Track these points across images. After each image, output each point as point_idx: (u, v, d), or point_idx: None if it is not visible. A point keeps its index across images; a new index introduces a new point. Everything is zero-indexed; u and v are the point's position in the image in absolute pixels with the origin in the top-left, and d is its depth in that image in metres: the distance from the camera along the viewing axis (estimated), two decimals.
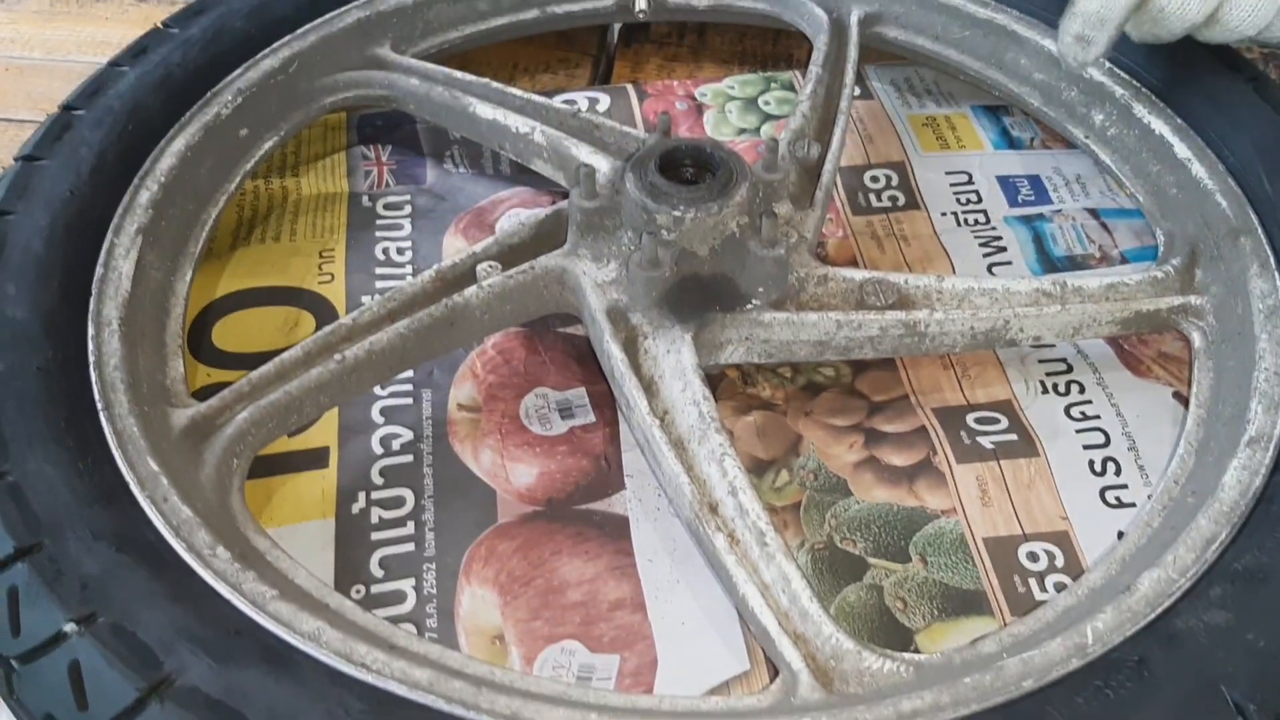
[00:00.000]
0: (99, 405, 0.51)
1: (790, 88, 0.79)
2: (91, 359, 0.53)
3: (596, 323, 0.57)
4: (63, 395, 0.51)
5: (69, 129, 0.63)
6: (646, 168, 0.59)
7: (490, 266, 0.59)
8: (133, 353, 0.55)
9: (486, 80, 0.70)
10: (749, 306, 0.58)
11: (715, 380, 0.62)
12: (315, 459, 0.58)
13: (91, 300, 0.56)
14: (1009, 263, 0.68)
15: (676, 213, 0.57)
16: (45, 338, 0.53)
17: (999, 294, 0.59)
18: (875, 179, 0.73)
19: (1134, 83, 0.68)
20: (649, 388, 0.55)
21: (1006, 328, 0.58)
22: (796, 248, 0.60)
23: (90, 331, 0.54)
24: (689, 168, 0.60)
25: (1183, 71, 0.67)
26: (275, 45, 0.70)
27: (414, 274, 0.68)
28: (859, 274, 0.59)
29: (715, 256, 0.58)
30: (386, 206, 0.72)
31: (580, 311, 0.60)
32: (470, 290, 0.58)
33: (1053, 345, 0.62)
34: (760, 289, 0.58)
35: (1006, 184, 0.73)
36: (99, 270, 0.57)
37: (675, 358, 0.56)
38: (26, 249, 0.56)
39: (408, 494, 0.57)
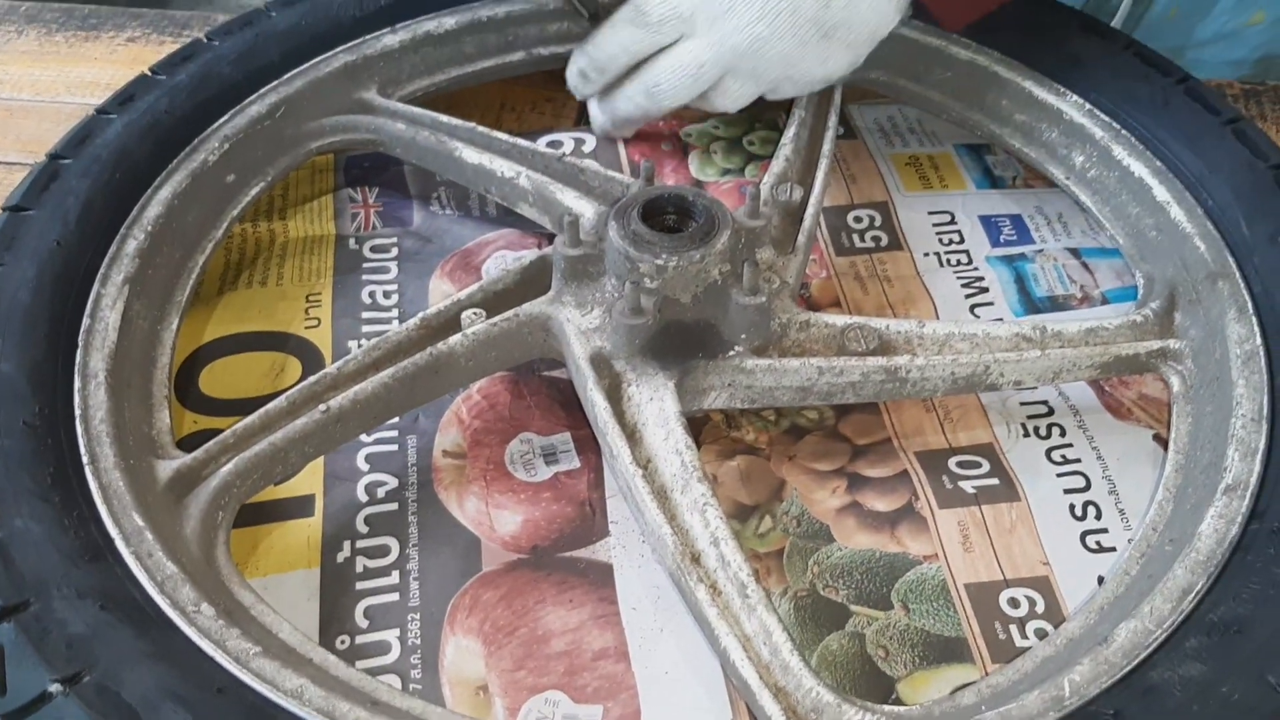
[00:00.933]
0: (85, 460, 0.51)
1: (774, 127, 0.80)
2: (78, 412, 0.53)
3: (580, 370, 0.58)
4: (49, 450, 0.51)
5: (56, 178, 0.63)
6: (629, 216, 0.59)
7: (475, 314, 0.60)
8: (119, 405, 0.55)
9: (472, 125, 0.71)
10: (731, 353, 0.58)
11: (699, 423, 0.63)
12: (300, 507, 0.59)
13: (78, 352, 0.56)
14: (991, 303, 0.69)
15: (659, 261, 0.57)
16: (32, 392, 0.53)
17: (979, 339, 0.59)
18: (859, 219, 0.74)
19: (1114, 125, 0.69)
20: (632, 435, 0.56)
21: (987, 373, 0.59)
22: (778, 293, 0.61)
23: (77, 384, 0.54)
24: (671, 215, 0.61)
25: (1162, 113, 0.68)
26: (262, 91, 0.70)
27: (400, 318, 0.68)
28: (841, 319, 0.60)
29: (698, 303, 0.59)
30: (373, 249, 0.72)
31: (565, 358, 0.60)
32: (455, 338, 0.58)
33: (1034, 388, 0.62)
34: (743, 335, 0.58)
35: (989, 223, 0.74)
36: (85, 321, 0.57)
37: (658, 405, 0.56)
38: (14, 301, 0.57)
39: (393, 542, 0.57)
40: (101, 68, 0.87)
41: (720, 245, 0.58)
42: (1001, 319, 0.68)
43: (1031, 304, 0.69)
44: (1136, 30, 0.88)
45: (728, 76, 0.68)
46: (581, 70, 0.71)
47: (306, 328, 0.67)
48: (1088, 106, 0.70)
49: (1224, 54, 0.75)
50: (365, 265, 0.71)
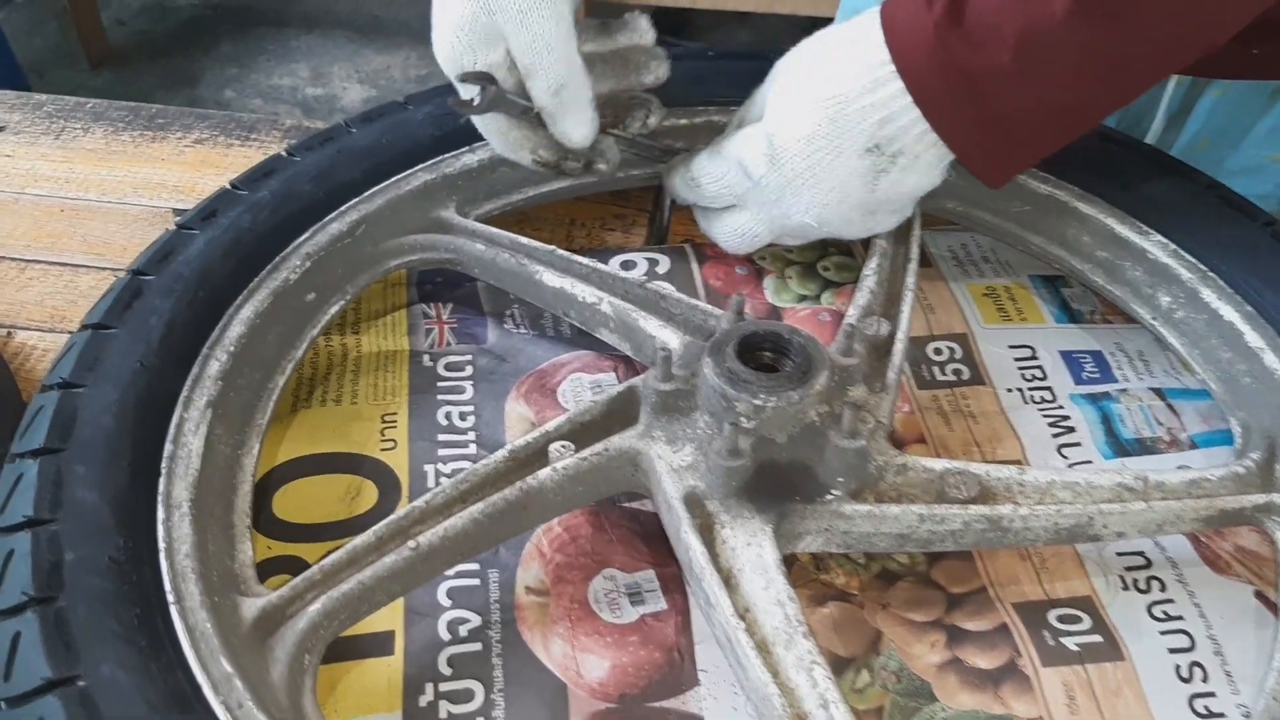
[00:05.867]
0: (170, 599, 0.50)
1: (848, 252, 0.79)
2: (162, 546, 0.52)
3: (673, 509, 0.56)
4: (134, 589, 0.50)
5: (139, 296, 0.62)
6: (725, 353, 0.58)
7: (563, 446, 0.59)
8: (202, 537, 0.53)
9: (552, 248, 0.70)
10: (829, 497, 0.57)
11: (786, 564, 0.61)
12: (380, 644, 0.57)
13: (161, 480, 0.54)
14: (1078, 444, 0.68)
15: (756, 401, 0.56)
16: (116, 524, 0.52)
17: (1081, 488, 0.58)
18: (939, 351, 0.73)
19: (1200, 266, 0.68)
20: (728, 581, 0.54)
21: (1090, 524, 0.57)
22: (874, 434, 0.59)
23: (160, 515, 0.53)
24: (767, 352, 0.60)
25: (1250, 258, 0.68)
26: (343, 208, 0.70)
27: (477, 441, 0.67)
28: (939, 464, 0.58)
29: (793, 444, 0.57)
30: (448, 367, 0.71)
31: (653, 495, 0.59)
32: (544, 472, 0.57)
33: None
34: (840, 478, 0.57)
35: (1070, 360, 0.73)
36: (168, 447, 0.56)
37: (756, 551, 0.54)
38: (97, 425, 0.55)
39: (477, 687, 0.55)
40: (169, 169, 0.87)
41: (819, 386, 0.57)
42: (1090, 461, 0.66)
43: (1119, 446, 0.67)
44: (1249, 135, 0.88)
45: (780, 239, 0.71)
46: (669, 189, 0.74)
47: (382, 450, 0.66)
48: (1172, 247, 0.70)
49: (1251, 187, 0.75)
50: (440, 384, 0.70)
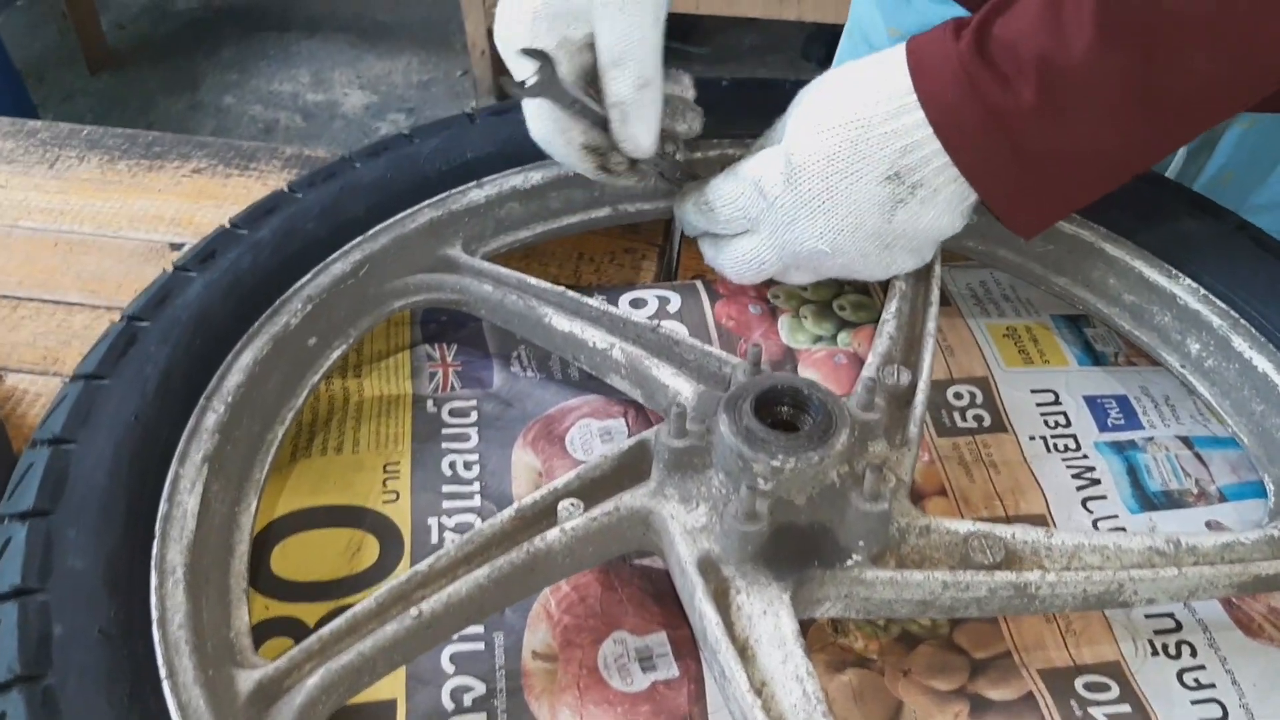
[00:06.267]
0: (163, 674, 0.48)
1: (864, 291, 0.77)
2: (155, 616, 0.50)
3: (686, 575, 0.54)
4: (125, 663, 0.47)
5: (134, 343, 0.60)
6: (741, 410, 0.56)
7: (572, 505, 0.56)
8: (197, 605, 0.51)
9: (561, 289, 0.68)
10: (849, 562, 0.54)
11: (803, 626, 0.59)
12: (382, 714, 0.54)
13: (155, 543, 0.52)
14: (1104, 496, 0.65)
15: (775, 462, 0.54)
16: (107, 592, 0.50)
17: (1110, 552, 0.56)
18: (959, 395, 0.71)
19: (1231, 313, 0.66)
20: (744, 652, 0.52)
21: (1120, 590, 0.55)
22: (896, 493, 0.57)
23: (154, 582, 0.51)
24: (786, 408, 0.58)
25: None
26: (346, 248, 0.68)
27: (482, 493, 0.65)
28: (963, 525, 0.56)
29: (812, 506, 0.55)
30: (452, 413, 0.69)
31: (666, 556, 0.57)
32: (552, 534, 0.55)
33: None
34: (860, 542, 0.55)
35: (1095, 405, 0.70)
36: (163, 506, 0.54)
37: (773, 621, 0.52)
38: (89, 484, 0.53)
39: None
40: (166, 200, 0.85)
41: (839, 446, 0.55)
42: (1116, 514, 0.64)
43: (1146, 499, 0.65)
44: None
45: (790, 269, 0.68)
46: (679, 217, 0.72)
47: (385, 502, 0.64)
48: (1202, 291, 0.68)
49: (1276, 223, 0.73)
50: (444, 431, 0.68)
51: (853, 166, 0.62)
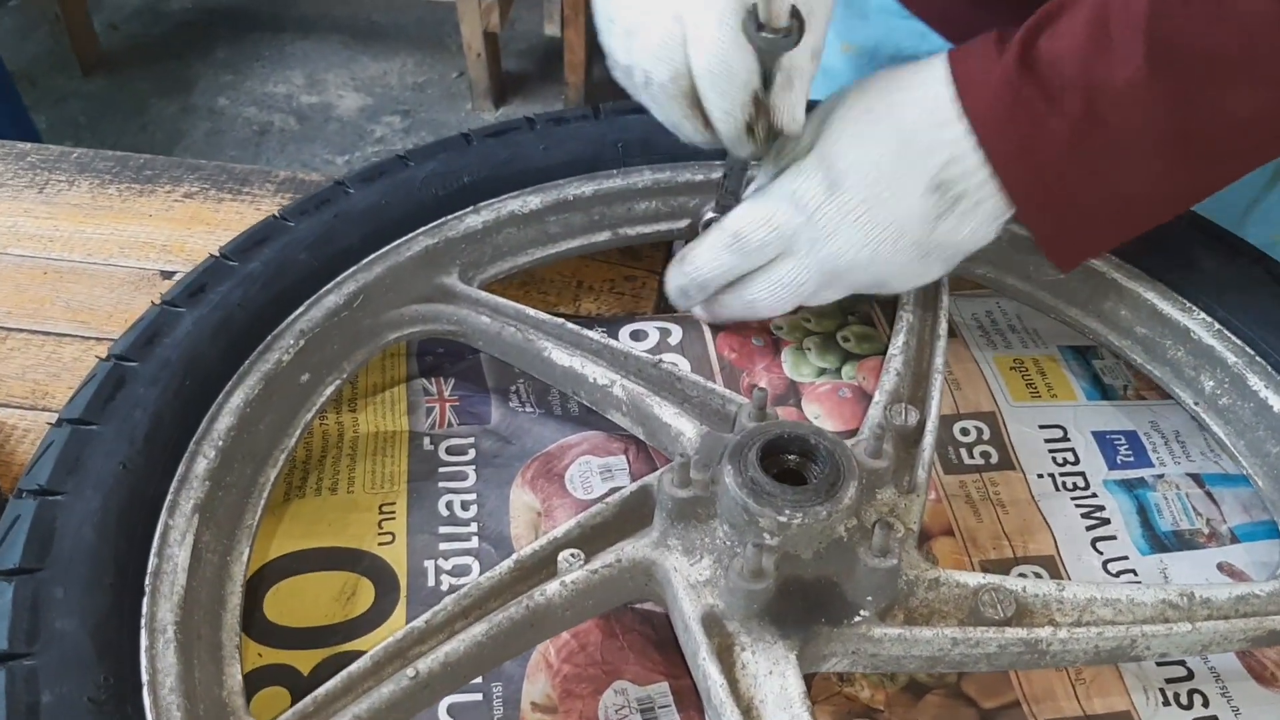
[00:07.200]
0: None
1: (868, 321, 0.76)
2: (145, 679, 0.48)
3: (690, 631, 0.53)
4: None
5: (122, 386, 0.58)
6: (746, 460, 0.54)
7: (573, 555, 0.55)
8: (188, 665, 0.50)
9: (561, 321, 0.66)
10: (857, 619, 0.53)
11: (808, 677, 0.58)
12: None
13: (145, 601, 0.51)
14: (1113, 537, 0.64)
15: (781, 518, 0.53)
16: (97, 656, 0.48)
17: (1123, 605, 0.55)
18: (965, 431, 0.70)
19: (1247, 350, 0.65)
20: (748, 713, 0.51)
21: (1133, 646, 0.54)
22: (904, 543, 0.56)
23: (144, 643, 0.49)
24: (792, 457, 0.56)
25: None
26: (340, 279, 0.66)
27: (479, 534, 0.63)
28: (973, 579, 0.55)
29: (819, 560, 0.54)
30: (449, 450, 0.67)
31: (669, 610, 0.55)
32: (552, 587, 0.54)
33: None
34: (868, 597, 0.53)
35: (1104, 441, 0.69)
36: (153, 561, 0.52)
37: (779, 681, 0.51)
38: (77, 539, 0.52)
39: None
40: (157, 226, 0.83)
41: (848, 500, 0.54)
42: (1126, 556, 0.63)
43: (1156, 540, 0.64)
44: (1252, 211, 0.84)
45: (823, 289, 0.66)
46: (682, 288, 0.70)
47: (380, 544, 0.62)
48: (1217, 326, 0.66)
49: None
50: (441, 470, 0.66)
51: (896, 177, 0.60)
